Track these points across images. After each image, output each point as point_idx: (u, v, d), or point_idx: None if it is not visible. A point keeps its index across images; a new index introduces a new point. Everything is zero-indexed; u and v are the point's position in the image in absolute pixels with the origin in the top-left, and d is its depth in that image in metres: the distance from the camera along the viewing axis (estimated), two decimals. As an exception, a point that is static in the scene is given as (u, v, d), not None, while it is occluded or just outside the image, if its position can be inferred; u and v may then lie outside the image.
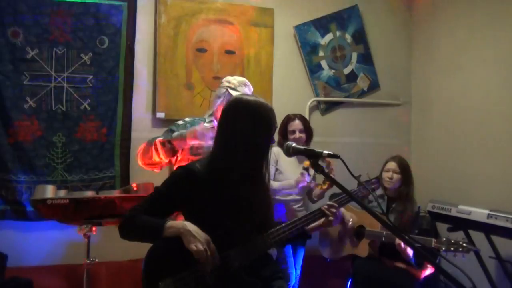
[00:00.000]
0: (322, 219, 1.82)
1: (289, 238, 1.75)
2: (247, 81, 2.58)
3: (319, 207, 1.85)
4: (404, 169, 2.90)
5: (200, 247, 1.50)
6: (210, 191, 1.63)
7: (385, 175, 2.91)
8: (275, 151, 2.92)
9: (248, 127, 1.62)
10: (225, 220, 1.63)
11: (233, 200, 1.65)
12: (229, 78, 2.57)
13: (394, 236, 2.60)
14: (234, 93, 2.46)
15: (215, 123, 2.52)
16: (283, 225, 1.74)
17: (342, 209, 3.00)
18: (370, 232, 2.78)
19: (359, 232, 2.87)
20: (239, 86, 2.51)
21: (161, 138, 2.40)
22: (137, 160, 2.52)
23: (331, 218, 1.81)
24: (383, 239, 2.70)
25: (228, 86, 2.50)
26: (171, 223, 1.57)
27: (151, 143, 2.41)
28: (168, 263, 1.57)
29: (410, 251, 2.59)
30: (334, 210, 1.82)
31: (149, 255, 1.61)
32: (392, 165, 2.91)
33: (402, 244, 2.58)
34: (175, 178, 1.70)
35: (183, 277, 1.54)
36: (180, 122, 2.54)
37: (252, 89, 2.60)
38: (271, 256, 1.86)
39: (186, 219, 1.64)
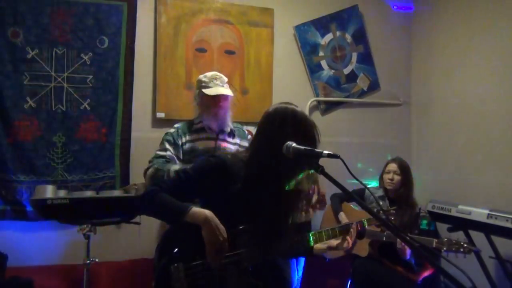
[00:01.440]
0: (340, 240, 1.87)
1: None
2: (218, 73, 2.59)
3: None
4: (405, 170, 2.94)
5: (217, 247, 1.52)
6: (236, 187, 1.61)
7: (386, 177, 2.96)
8: None
9: (294, 138, 1.54)
10: (243, 220, 1.62)
11: (255, 202, 1.62)
12: (200, 77, 2.59)
13: (395, 236, 2.60)
14: (206, 91, 2.49)
15: (204, 123, 2.55)
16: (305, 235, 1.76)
17: (342, 214, 3.00)
18: (371, 231, 2.77)
19: (359, 231, 2.87)
20: (210, 81, 2.53)
21: (177, 167, 2.35)
22: (145, 181, 2.49)
23: (349, 238, 1.87)
24: (384, 239, 2.70)
25: (200, 87, 2.54)
26: (195, 210, 1.56)
27: (163, 170, 2.35)
28: (182, 248, 1.58)
29: (408, 250, 2.60)
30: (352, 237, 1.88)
31: (165, 237, 1.64)
32: (392, 166, 2.95)
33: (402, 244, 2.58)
34: (207, 166, 1.66)
35: (193, 267, 1.55)
36: (172, 130, 2.57)
37: (225, 80, 2.61)
38: (275, 261, 1.86)
39: (203, 208, 1.61)
